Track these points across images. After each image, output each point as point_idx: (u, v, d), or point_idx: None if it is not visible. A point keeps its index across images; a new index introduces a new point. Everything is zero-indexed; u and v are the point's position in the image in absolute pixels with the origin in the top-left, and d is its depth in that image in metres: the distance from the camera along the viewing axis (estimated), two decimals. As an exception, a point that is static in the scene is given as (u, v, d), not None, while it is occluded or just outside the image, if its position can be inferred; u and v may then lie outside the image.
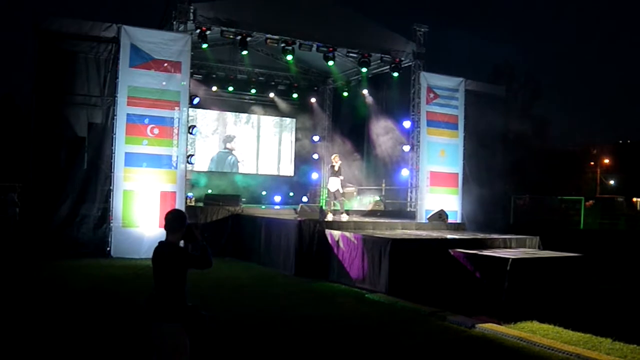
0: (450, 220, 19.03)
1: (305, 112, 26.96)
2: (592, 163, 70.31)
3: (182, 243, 5.26)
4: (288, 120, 27.36)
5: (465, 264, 11.61)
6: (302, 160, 26.71)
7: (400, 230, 15.65)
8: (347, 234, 13.50)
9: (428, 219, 18.01)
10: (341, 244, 13.54)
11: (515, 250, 12.88)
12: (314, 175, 26.73)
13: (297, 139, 27.16)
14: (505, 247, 13.40)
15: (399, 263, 11.92)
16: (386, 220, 17.55)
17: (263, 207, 21.72)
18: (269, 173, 27.06)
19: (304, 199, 24.82)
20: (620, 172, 68.59)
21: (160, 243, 5.17)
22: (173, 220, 5.19)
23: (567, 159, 62.23)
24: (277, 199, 25.13)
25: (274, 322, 9.40)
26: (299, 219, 14.77)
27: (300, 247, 14.23)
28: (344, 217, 17.50)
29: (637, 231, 34.59)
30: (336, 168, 17.62)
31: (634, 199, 61.43)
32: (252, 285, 13.04)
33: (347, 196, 22.45)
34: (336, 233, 13.83)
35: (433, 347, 8.21)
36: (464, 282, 11.52)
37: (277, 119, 27.17)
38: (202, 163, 25.25)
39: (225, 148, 26.31)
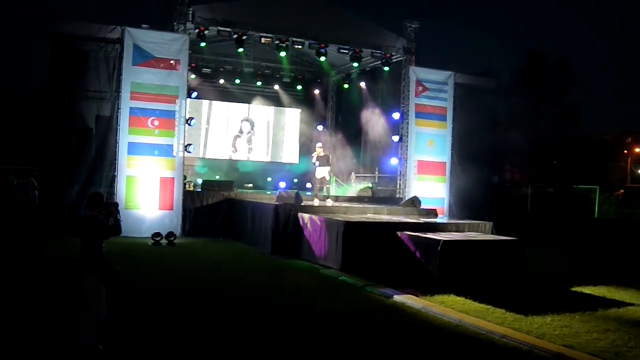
0: (437, 206, 20.51)
1: (309, 103, 28.58)
2: (626, 152, 70.04)
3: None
4: (293, 110, 28.97)
5: (408, 245, 13.09)
6: (307, 148, 28.29)
7: (370, 214, 17.13)
8: (314, 216, 15.11)
9: (401, 204, 19.43)
10: (309, 226, 15.16)
11: (459, 233, 14.26)
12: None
13: (301, 129, 28.75)
14: (457, 231, 14.78)
15: (351, 243, 13.45)
16: (368, 206, 19.03)
17: (251, 191, 23.45)
18: (275, 160, 28.80)
19: (308, 184, 26.38)
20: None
21: (83, 216, 6.87)
22: (91, 200, 6.90)
23: (601, 147, 62.24)
24: (282, 184, 26.75)
25: (226, 288, 11.08)
26: (276, 203, 16.41)
27: (276, 229, 15.89)
28: (329, 202, 19.08)
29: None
30: (314, 159, 19.15)
31: (665, 189, 61.25)
32: (229, 260, 14.69)
33: (346, 181, 24.12)
34: (306, 216, 15.45)
35: (346, 310, 9.73)
36: (408, 261, 13.00)
37: (282, 109, 28.81)
38: (212, 151, 27.17)
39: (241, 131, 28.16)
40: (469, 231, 15.03)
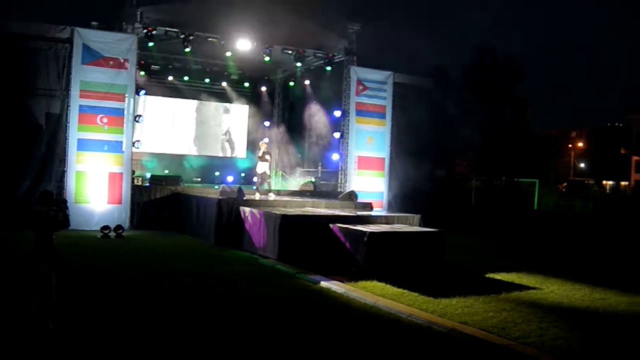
0: (376, 200, 21.79)
1: (256, 100, 29.59)
2: (570, 146, 72.72)
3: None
4: (241, 107, 29.94)
5: (339, 236, 14.29)
6: (254, 143, 29.22)
7: (308, 208, 18.24)
8: (254, 210, 16.16)
9: (339, 198, 20.59)
10: (249, 219, 16.21)
11: (387, 225, 15.50)
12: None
13: (249, 125, 29.76)
14: (387, 224, 16.03)
15: (287, 234, 14.55)
16: (307, 199, 20.14)
17: (198, 186, 24.39)
18: (222, 155, 29.79)
19: (255, 179, 27.33)
20: (591, 156, 70.67)
21: (35, 211, 7.79)
22: (42, 197, 7.82)
23: (547, 142, 64.56)
24: (230, 179, 27.71)
25: (170, 276, 12.05)
26: (219, 197, 17.41)
27: (219, 221, 16.91)
28: (271, 196, 20.13)
29: (590, 212, 37.14)
30: (260, 153, 20.17)
31: (604, 182, 64.05)
32: (174, 251, 15.65)
33: (291, 175, 25.21)
34: (247, 209, 16.49)
35: (275, 294, 10.82)
36: (339, 251, 14.20)
37: (230, 105, 29.74)
38: (155, 146, 28.01)
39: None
40: (398, 224, 16.28)
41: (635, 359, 7.85)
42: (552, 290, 12.35)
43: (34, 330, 7.50)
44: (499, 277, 13.64)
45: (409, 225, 16.44)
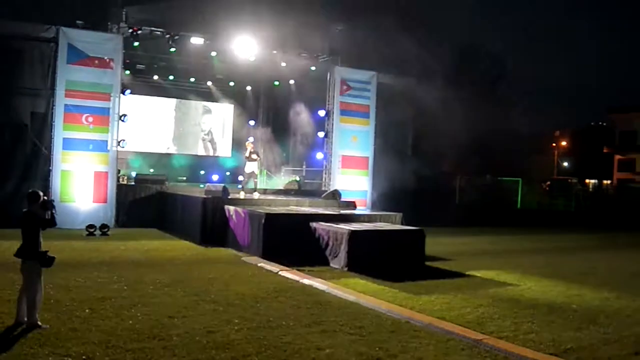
0: (360, 198, 22.08)
1: (241, 100, 29.73)
2: (554, 145, 73.32)
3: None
4: (226, 106, 30.12)
5: (322, 234, 14.54)
6: (239, 142, 29.43)
7: (292, 206, 18.47)
8: (238, 208, 16.38)
9: (323, 197, 20.84)
10: (234, 217, 16.42)
11: (369, 223, 15.78)
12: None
13: (234, 124, 29.94)
14: (369, 222, 16.31)
15: (271, 232, 14.77)
16: (291, 198, 20.36)
17: (183, 184, 24.61)
18: (208, 154, 29.97)
19: (240, 177, 27.56)
20: (574, 155, 71.32)
21: (24, 211, 7.98)
22: (31, 197, 8.02)
23: (531, 141, 65.08)
24: (215, 177, 27.89)
25: (154, 273, 12.16)
26: (204, 196, 17.61)
27: (204, 220, 17.12)
28: (256, 195, 20.34)
29: (572, 211, 37.72)
30: (247, 153, 20.37)
31: (587, 180, 64.78)
32: (159, 249, 15.77)
33: (276, 174, 25.42)
34: (231, 208, 16.71)
35: (258, 291, 11.00)
36: (321, 248, 14.45)
37: (215, 104, 29.90)
38: (140, 145, 28.10)
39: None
40: (380, 222, 16.55)
41: (603, 352, 8.14)
42: (529, 286, 12.68)
43: (23, 326, 7.72)
44: (479, 274, 13.93)
45: (391, 223, 16.71)
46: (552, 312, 10.33)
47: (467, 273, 14.10)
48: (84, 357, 6.87)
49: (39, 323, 7.82)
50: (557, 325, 9.42)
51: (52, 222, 8.12)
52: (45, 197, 8.26)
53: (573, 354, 7.97)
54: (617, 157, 56.03)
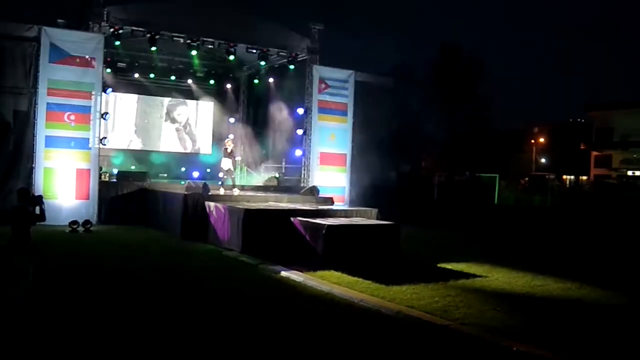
0: (338, 194, 22.60)
1: (222, 97, 30.19)
2: (532, 141, 74.23)
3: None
4: (206, 103, 30.51)
5: (299, 229, 15.04)
6: (220, 140, 29.79)
7: (271, 202, 18.93)
8: (218, 204, 16.83)
9: (301, 193, 21.33)
10: (214, 213, 16.87)
11: (345, 219, 16.29)
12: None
13: (214, 121, 30.36)
14: (346, 217, 16.81)
15: (250, 228, 15.25)
16: (270, 194, 20.82)
17: (165, 181, 24.98)
18: (188, 151, 30.36)
19: (220, 174, 27.93)
20: (552, 151, 72.16)
21: (14, 206, 8.41)
22: (20, 193, 8.48)
23: (510, 137, 66.00)
24: (195, 174, 28.24)
25: (136, 267, 12.66)
26: (185, 193, 18.04)
27: (185, 216, 17.58)
28: (236, 192, 20.74)
29: (548, 206, 38.36)
30: (229, 150, 20.74)
31: (564, 177, 65.70)
32: (142, 245, 16.20)
33: (255, 171, 25.89)
34: (212, 204, 17.15)
35: (238, 284, 11.53)
36: (299, 243, 14.94)
37: (196, 102, 30.31)
38: (122, 142, 28.47)
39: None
40: (356, 217, 17.06)
41: (558, 337, 8.71)
42: (496, 278, 13.28)
43: (13, 317, 8.13)
44: (450, 267, 14.50)
45: (367, 218, 17.20)
46: (515, 301, 10.91)
47: (438, 265, 14.69)
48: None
49: (28, 312, 8.22)
50: (518, 313, 10.00)
51: (41, 217, 8.57)
52: (34, 194, 8.71)
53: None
54: (594, 153, 56.87)
